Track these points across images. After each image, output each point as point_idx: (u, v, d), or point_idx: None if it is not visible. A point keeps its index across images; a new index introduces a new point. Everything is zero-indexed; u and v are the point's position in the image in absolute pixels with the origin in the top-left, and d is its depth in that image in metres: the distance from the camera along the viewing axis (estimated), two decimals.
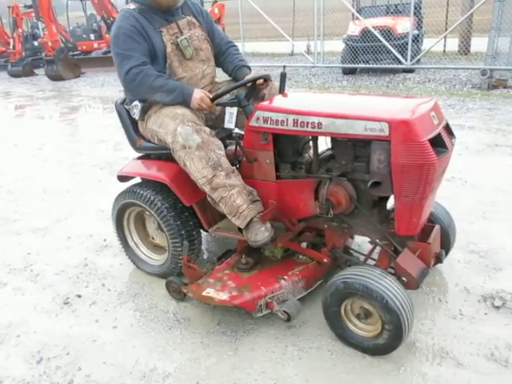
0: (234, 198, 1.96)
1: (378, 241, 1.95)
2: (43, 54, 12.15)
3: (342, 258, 2.05)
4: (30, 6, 13.47)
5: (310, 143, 2.03)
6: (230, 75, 2.39)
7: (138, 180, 2.39)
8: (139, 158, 2.39)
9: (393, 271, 1.83)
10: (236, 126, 2.13)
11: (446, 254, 2.18)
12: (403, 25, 7.73)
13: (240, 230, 2.04)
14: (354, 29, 8.28)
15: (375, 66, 8.04)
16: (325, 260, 2.03)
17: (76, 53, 13.75)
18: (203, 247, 2.62)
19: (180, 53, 2.17)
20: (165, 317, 2.09)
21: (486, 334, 1.83)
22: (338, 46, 9.38)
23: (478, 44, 8.45)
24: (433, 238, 1.91)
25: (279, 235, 2.06)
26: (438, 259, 2.00)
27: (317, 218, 1.99)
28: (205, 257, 2.62)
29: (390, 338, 1.68)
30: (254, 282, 1.98)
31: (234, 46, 2.43)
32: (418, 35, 7.97)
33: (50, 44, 11.65)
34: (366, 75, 8.38)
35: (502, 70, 6.75)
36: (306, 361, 1.78)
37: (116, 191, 2.39)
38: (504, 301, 2.02)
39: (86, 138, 5.75)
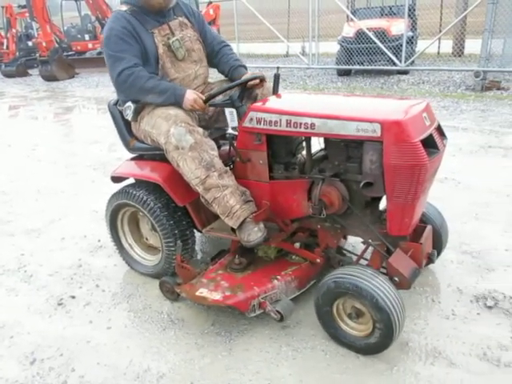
0: (227, 198, 1.97)
1: (370, 241, 1.95)
2: (37, 55, 12.09)
3: (334, 258, 2.06)
4: (23, 6, 13.41)
5: (304, 144, 2.04)
6: (226, 76, 2.38)
7: (131, 181, 2.39)
8: (132, 159, 2.39)
9: (385, 271, 1.84)
10: (227, 126, 2.15)
11: (438, 254, 2.20)
12: (397, 26, 7.78)
13: (233, 230, 2.04)
14: (349, 30, 8.32)
15: (370, 67, 8.09)
16: (318, 260, 2.04)
17: (70, 53, 13.69)
18: (197, 248, 2.63)
19: (172, 54, 2.17)
20: (159, 317, 2.09)
21: (478, 334, 1.85)
22: (332, 47, 9.41)
23: (472, 46, 8.53)
24: (425, 239, 1.93)
25: (272, 235, 2.07)
26: (430, 259, 2.02)
27: (310, 218, 2.00)
28: (199, 257, 2.62)
29: (382, 337, 1.69)
30: (247, 282, 1.98)
31: (227, 45, 2.43)
32: (413, 37, 8.03)
33: (44, 44, 11.59)
34: (360, 77, 8.42)
35: (495, 71, 6.81)
36: (300, 361, 1.79)
37: (110, 192, 2.39)
38: (496, 301, 2.04)
39: (80, 139, 5.73)
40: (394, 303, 1.64)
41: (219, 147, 2.29)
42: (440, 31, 8.92)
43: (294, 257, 2.14)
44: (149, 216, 2.18)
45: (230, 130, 2.22)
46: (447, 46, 9.62)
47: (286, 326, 1.97)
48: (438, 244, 2.17)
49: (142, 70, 2.07)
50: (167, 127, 2.00)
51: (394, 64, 7.62)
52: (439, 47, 9.95)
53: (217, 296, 1.91)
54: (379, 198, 1.96)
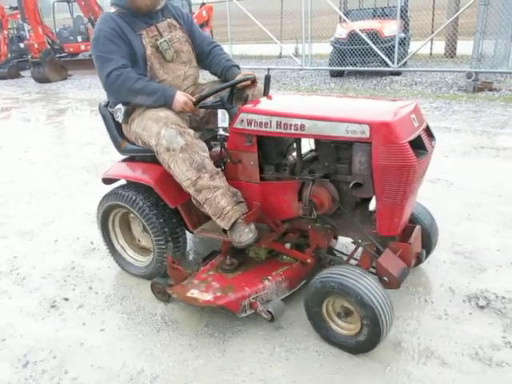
0: (218, 199, 1.97)
1: (360, 241, 1.97)
2: (29, 56, 12.02)
3: (325, 258, 2.07)
4: (15, 8, 13.32)
5: (294, 145, 2.04)
6: (219, 77, 2.37)
7: (122, 182, 2.38)
8: (124, 161, 2.39)
9: (375, 271, 1.86)
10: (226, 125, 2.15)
11: (428, 254, 2.23)
12: (390, 28, 7.84)
13: (224, 231, 2.05)
14: (342, 31, 8.37)
15: (363, 68, 8.13)
16: (308, 260, 2.05)
17: (63, 55, 13.62)
18: (189, 248, 2.64)
19: (160, 55, 2.17)
20: (152, 319, 2.09)
21: (470, 334, 1.86)
22: (325, 48, 9.45)
23: (464, 47, 8.60)
24: (414, 238, 1.94)
25: (263, 236, 2.08)
26: (419, 259, 2.03)
27: (300, 219, 2.01)
28: (191, 258, 2.62)
29: (370, 334, 1.69)
30: (238, 282, 1.99)
31: (218, 45, 2.42)
32: (405, 38, 8.08)
33: (36, 46, 11.52)
34: (353, 78, 8.47)
35: (487, 72, 6.88)
36: (293, 361, 1.79)
37: (103, 194, 2.38)
38: (488, 301, 2.06)
39: (72, 141, 5.70)
40: (378, 299, 1.65)
41: (210, 148, 2.31)
42: (432, 32, 8.99)
43: (284, 257, 2.15)
44: (140, 217, 2.18)
45: (220, 131, 2.23)
46: (439, 47, 9.71)
47: (279, 327, 1.97)
48: (428, 244, 2.19)
49: (131, 71, 2.07)
50: (158, 129, 2.00)
51: (387, 65, 7.67)
52: (431, 48, 10.05)
53: (208, 297, 1.92)
54: (369, 199, 1.97)
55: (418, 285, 2.21)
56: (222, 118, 2.06)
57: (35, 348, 1.96)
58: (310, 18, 8.35)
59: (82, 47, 13.94)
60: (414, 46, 8.34)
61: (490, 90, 6.58)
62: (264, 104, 2.01)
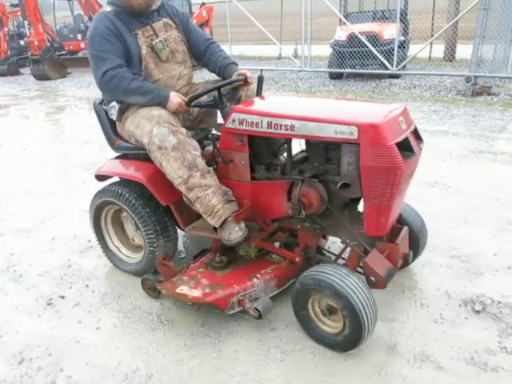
0: (209, 197, 1.99)
1: (348, 241, 1.99)
2: (29, 54, 12.00)
3: (314, 257, 2.09)
4: (16, 5, 13.31)
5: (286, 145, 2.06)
6: (218, 75, 2.38)
7: (115, 179, 2.40)
8: (117, 158, 2.41)
9: (362, 271, 1.88)
10: (213, 127, 2.21)
11: (416, 256, 2.25)
12: (389, 31, 7.86)
13: (215, 229, 2.07)
14: (341, 34, 8.39)
15: (362, 71, 8.15)
16: (297, 259, 2.07)
17: (62, 53, 13.60)
18: (181, 246, 2.65)
19: (155, 55, 2.18)
20: (148, 318, 2.09)
21: (466, 338, 1.86)
22: (325, 50, 9.48)
23: (463, 51, 8.62)
24: (401, 239, 1.97)
25: (253, 235, 2.10)
26: (406, 260, 2.05)
27: (290, 218, 2.03)
28: (182, 256, 2.63)
29: (351, 327, 1.71)
30: (227, 280, 2.01)
31: (214, 42, 2.42)
32: (404, 41, 8.11)
33: (36, 43, 11.51)
34: (352, 80, 8.49)
35: (486, 77, 6.88)
36: (288, 363, 1.79)
37: None
38: (484, 305, 2.06)
39: (71, 139, 5.70)
40: (353, 288, 1.68)
41: (203, 147, 2.34)
42: (432, 36, 9.02)
43: (274, 256, 2.17)
44: (131, 214, 2.21)
45: (213, 131, 2.24)
46: (439, 50, 9.73)
47: (274, 329, 1.98)
48: (417, 246, 2.21)
49: (126, 71, 2.09)
50: (150, 127, 2.02)
51: (386, 68, 7.69)
52: (431, 52, 10.06)
53: (197, 293, 1.94)
54: (358, 200, 1.99)
55: (414, 288, 2.21)
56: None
57: (31, 345, 1.96)
58: (309, 19, 8.36)
59: (82, 45, 13.88)
60: (413, 50, 8.36)
61: (489, 94, 6.60)
62: (256, 104, 2.04)
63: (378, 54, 7.61)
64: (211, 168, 2.09)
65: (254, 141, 1.99)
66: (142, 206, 2.17)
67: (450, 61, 9.19)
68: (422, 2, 10.02)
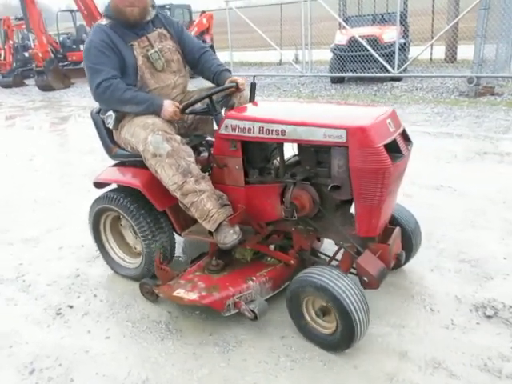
0: (203, 202, 2.03)
1: (341, 243, 2.02)
2: (33, 65, 12.15)
3: (309, 259, 2.12)
4: (20, 18, 13.47)
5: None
6: (212, 82, 2.44)
7: (113, 186, 2.46)
8: (115, 166, 2.47)
9: (355, 271, 1.91)
10: (207, 134, 2.34)
11: (410, 256, 2.27)
12: (389, 34, 7.88)
13: (210, 233, 2.11)
14: (341, 38, 8.42)
15: (363, 74, 8.16)
16: (292, 261, 2.10)
17: (66, 63, 13.72)
18: (180, 251, 2.69)
19: (151, 65, 2.23)
20: (157, 328, 2.09)
21: (478, 344, 1.84)
22: (325, 54, 9.50)
23: (465, 51, 8.62)
24: (393, 240, 1.99)
25: (248, 238, 2.14)
26: (398, 260, 2.07)
27: (284, 221, 2.06)
28: (180, 260, 2.66)
29: (344, 327, 1.73)
30: (223, 282, 2.05)
31: (208, 51, 2.47)
32: (405, 44, 8.12)
33: (40, 55, 11.66)
34: (353, 84, 8.50)
35: (488, 77, 6.87)
36: (298, 371, 1.78)
37: None
38: (496, 310, 2.03)
39: (75, 148, 5.74)
40: (333, 280, 1.73)
41: (199, 154, 2.41)
42: (432, 37, 9.03)
43: (269, 259, 2.20)
44: (129, 219, 2.26)
45: (208, 137, 2.31)
46: (440, 51, 9.72)
47: (284, 337, 1.97)
48: (410, 246, 2.24)
49: (120, 82, 2.13)
50: (145, 135, 2.07)
51: (387, 71, 7.70)
52: (431, 53, 10.07)
53: (193, 296, 1.98)
54: (350, 202, 2.01)
55: (423, 293, 2.19)
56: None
57: (41, 355, 1.96)
58: (309, 24, 8.40)
59: None
60: (413, 52, 8.38)
61: (492, 94, 6.58)
62: (248, 110, 2.09)
63: (378, 57, 7.63)
64: (206, 174, 2.14)
65: (247, 146, 2.04)
66: (139, 211, 2.22)
67: (452, 62, 9.20)
68: (421, 3, 10.04)
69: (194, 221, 2.20)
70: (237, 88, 2.25)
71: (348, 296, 1.70)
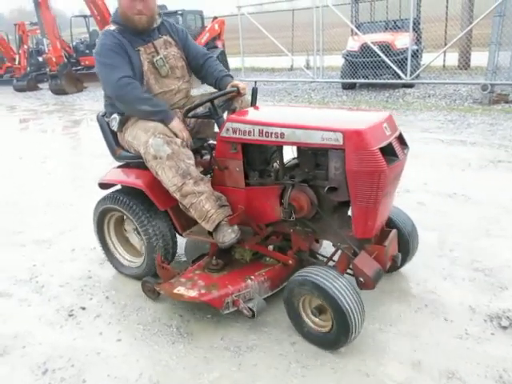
0: (202, 203, 2.09)
1: (339, 244, 2.05)
2: (47, 69, 12.36)
3: (307, 260, 2.16)
4: (35, 24, 13.74)
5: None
6: (214, 87, 2.49)
7: (118, 187, 2.51)
8: (119, 167, 2.54)
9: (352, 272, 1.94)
10: (209, 137, 2.43)
11: (406, 259, 2.30)
12: (402, 40, 7.85)
13: (210, 233, 2.16)
14: (354, 44, 8.42)
15: (375, 81, 8.14)
16: (290, 262, 2.14)
17: (79, 68, 13.94)
18: (182, 251, 2.75)
19: (156, 71, 2.30)
20: (168, 331, 2.09)
21: (493, 355, 1.80)
22: (337, 60, 9.50)
23: (479, 58, 8.53)
24: (389, 242, 2.02)
25: (247, 238, 2.19)
26: (394, 261, 2.08)
27: (283, 222, 2.11)
28: (182, 260, 2.70)
29: (337, 320, 1.76)
30: (222, 281, 2.10)
31: (211, 57, 2.53)
32: (418, 50, 8.08)
33: (53, 59, 11.85)
34: (365, 90, 8.48)
35: (503, 84, 6.78)
36: (309, 378, 1.77)
37: None
38: (511, 321, 1.99)
39: (87, 152, 5.79)
40: (339, 288, 1.75)
41: (202, 157, 2.49)
42: (445, 44, 8.98)
43: (268, 259, 2.25)
44: (132, 219, 2.32)
45: (210, 141, 2.36)
46: (453, 58, 9.65)
47: (295, 343, 1.96)
48: (407, 249, 2.26)
49: (139, 84, 2.21)
50: (146, 138, 2.13)
51: (399, 77, 7.67)
52: (444, 60, 10.00)
53: (193, 293, 2.03)
54: (348, 204, 2.02)
55: (436, 302, 2.16)
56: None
57: (53, 356, 1.98)
58: (321, 30, 8.41)
59: None
60: (426, 58, 8.34)
61: (506, 102, 6.50)
62: (248, 114, 2.16)
63: (391, 64, 7.60)
64: (205, 176, 2.20)
65: (247, 149, 2.09)
66: (142, 211, 2.28)
67: (465, 69, 9.13)
68: (435, 9, 9.99)
69: (195, 221, 2.25)
70: (238, 92, 2.31)
71: (343, 295, 1.74)
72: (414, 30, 7.60)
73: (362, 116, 2.01)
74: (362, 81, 8.29)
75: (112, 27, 2.29)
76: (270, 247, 2.25)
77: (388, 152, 1.78)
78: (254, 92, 2.36)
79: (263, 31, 9.36)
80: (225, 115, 2.29)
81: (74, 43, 15.05)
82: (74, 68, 13.22)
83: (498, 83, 6.63)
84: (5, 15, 59.07)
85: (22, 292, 2.52)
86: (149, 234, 2.29)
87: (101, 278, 2.60)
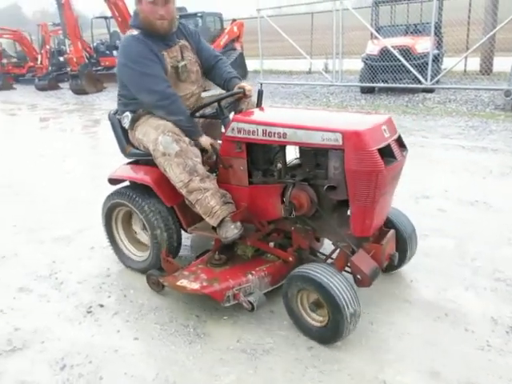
0: (208, 199, 2.17)
1: (338, 242, 2.11)
2: (68, 69, 12.59)
3: (307, 258, 2.22)
4: (57, 24, 14.02)
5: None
6: (222, 88, 2.56)
7: (126, 183, 2.60)
8: (128, 164, 2.63)
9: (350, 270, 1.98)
10: (216, 137, 2.47)
11: (404, 260, 2.34)
12: (423, 44, 7.76)
13: (214, 228, 2.24)
14: (373, 48, 8.35)
15: (394, 85, 8.05)
16: (290, 259, 2.19)
17: (99, 68, 14.15)
18: (187, 248, 2.84)
19: (176, 75, 2.37)
20: (185, 331, 2.10)
21: None
22: (355, 64, 9.44)
23: (501, 63, 8.35)
24: (386, 241, 2.07)
25: (249, 234, 2.27)
26: (392, 260, 2.14)
27: (284, 220, 2.18)
28: (187, 256, 2.76)
29: (333, 314, 1.82)
30: (223, 275, 2.16)
31: (222, 58, 2.60)
32: (438, 55, 7.98)
33: (74, 60, 12.08)
34: (384, 94, 8.39)
35: None
36: None
37: None
38: None
39: (106, 151, 5.86)
40: (336, 284, 1.82)
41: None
42: (467, 48, 8.82)
43: (269, 256, 2.30)
44: (139, 214, 2.39)
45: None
46: (474, 63, 9.49)
47: (311, 347, 1.94)
48: (405, 250, 2.31)
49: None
50: (156, 136, 2.21)
51: (420, 82, 7.57)
52: (466, 65, 9.83)
53: (195, 286, 2.10)
54: (347, 204, 2.03)
55: (457, 312, 2.12)
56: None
57: (72, 352, 2.00)
58: (341, 34, 8.37)
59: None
60: (447, 63, 8.21)
61: None
62: (253, 115, 2.24)
63: (411, 68, 7.52)
64: (211, 174, 2.27)
65: (251, 148, 2.16)
66: (149, 206, 2.35)
67: (488, 74, 8.96)
68: (456, 13, 9.84)
69: (200, 218, 2.32)
70: (244, 94, 2.38)
71: (340, 291, 1.80)
72: (435, 33, 7.49)
73: (361, 118, 2.08)
74: (382, 85, 8.22)
75: (134, 32, 2.31)
76: (271, 244, 2.31)
77: (387, 153, 1.84)
78: (260, 94, 2.42)
79: (282, 34, 9.36)
80: (231, 116, 2.33)
81: (95, 44, 15.29)
82: (94, 68, 13.42)
83: None
84: (28, 16, 60.54)
85: (42, 288, 2.56)
86: (154, 229, 2.36)
87: (119, 276, 2.62)
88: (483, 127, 5.68)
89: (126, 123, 2.42)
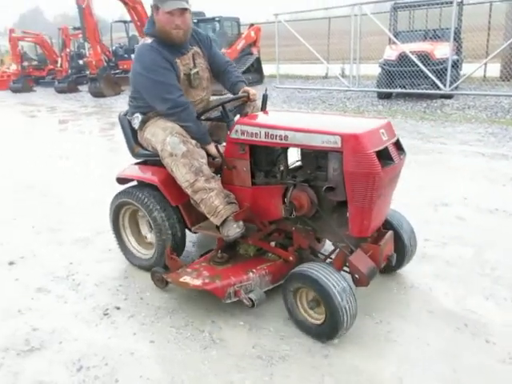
0: (212, 199, 2.24)
1: (337, 242, 2.15)
2: (87, 72, 12.80)
3: (307, 258, 2.26)
4: (78, 28, 14.29)
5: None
6: (229, 91, 2.67)
7: (134, 183, 2.67)
8: (136, 164, 2.71)
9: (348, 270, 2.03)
10: (222, 139, 2.62)
11: (403, 262, 2.38)
12: (442, 50, 7.67)
13: (217, 228, 2.30)
14: (391, 53, 8.29)
15: (412, 91, 7.96)
16: (290, 258, 2.24)
17: (117, 71, 14.37)
18: (191, 247, 2.90)
19: (188, 82, 2.45)
20: (200, 336, 2.10)
21: None
22: (372, 69, 9.37)
23: None
24: (384, 242, 2.11)
25: (251, 234, 2.34)
26: (389, 261, 2.18)
27: (285, 220, 2.24)
28: (192, 254, 2.85)
29: (330, 312, 1.86)
30: (225, 273, 2.22)
31: (231, 64, 2.70)
32: (458, 60, 7.87)
33: (94, 63, 12.27)
34: (401, 100, 8.31)
35: None
36: None
37: None
38: None
39: (124, 154, 5.90)
40: (333, 283, 1.86)
41: (214, 158, 2.56)
42: (487, 54, 8.68)
43: (270, 255, 2.36)
44: (145, 213, 2.46)
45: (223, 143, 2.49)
46: (494, 69, 9.34)
47: (328, 355, 1.92)
48: (403, 252, 2.35)
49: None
50: (164, 136, 2.29)
51: (438, 88, 7.48)
52: (485, 71, 9.68)
53: (197, 282, 2.16)
54: (347, 205, 2.03)
55: (477, 323, 2.08)
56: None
57: (88, 354, 2.02)
58: (359, 39, 8.32)
59: None
60: (466, 69, 8.09)
61: None
62: (256, 118, 2.31)
63: (429, 74, 7.43)
64: (216, 175, 2.33)
65: (254, 150, 2.23)
66: (155, 206, 2.42)
67: (508, 80, 8.80)
68: (476, 19, 9.70)
69: (204, 218, 2.40)
70: (248, 97, 2.46)
71: (338, 290, 1.85)
72: (454, 39, 7.40)
73: (360, 122, 2.15)
74: (399, 90, 8.14)
75: (148, 40, 2.37)
76: (273, 244, 2.36)
77: (385, 156, 1.90)
78: (264, 98, 2.47)
79: (299, 39, 9.36)
80: (236, 119, 2.40)
81: (114, 47, 15.54)
82: (112, 71, 13.64)
83: None
84: (50, 20, 61.91)
85: (60, 289, 2.59)
86: (160, 228, 2.41)
87: (135, 279, 2.63)
88: (503, 134, 5.57)
89: (136, 124, 2.51)
